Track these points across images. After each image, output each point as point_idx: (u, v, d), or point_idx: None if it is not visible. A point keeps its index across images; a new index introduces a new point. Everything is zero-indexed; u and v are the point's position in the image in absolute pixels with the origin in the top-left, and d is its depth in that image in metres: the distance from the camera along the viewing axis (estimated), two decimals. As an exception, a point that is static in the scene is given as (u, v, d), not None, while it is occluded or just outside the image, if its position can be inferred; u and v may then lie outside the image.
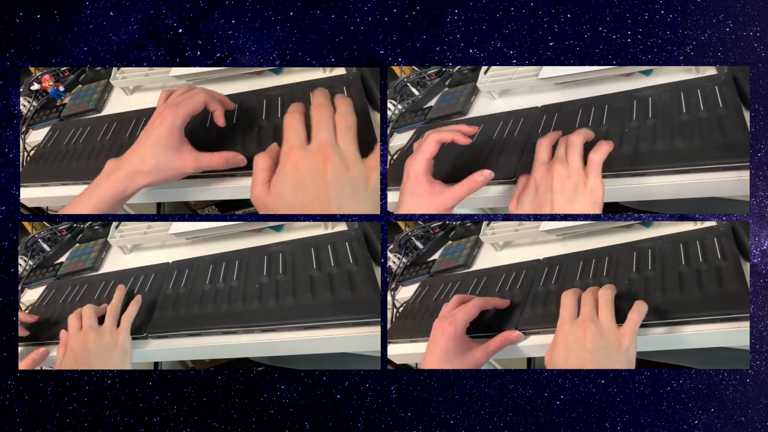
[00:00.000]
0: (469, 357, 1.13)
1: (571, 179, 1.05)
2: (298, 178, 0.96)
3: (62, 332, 1.20)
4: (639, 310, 1.07)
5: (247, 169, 1.15)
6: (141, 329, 1.21)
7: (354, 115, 1.01)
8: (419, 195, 1.08)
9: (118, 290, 1.24)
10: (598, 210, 1.06)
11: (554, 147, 1.12)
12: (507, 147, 1.24)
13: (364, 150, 1.04)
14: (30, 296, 1.41)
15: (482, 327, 1.20)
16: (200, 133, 1.25)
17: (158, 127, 1.07)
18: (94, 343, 1.16)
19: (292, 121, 1.01)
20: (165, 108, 1.09)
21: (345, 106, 1.03)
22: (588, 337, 1.04)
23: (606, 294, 1.09)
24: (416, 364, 1.45)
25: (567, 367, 1.05)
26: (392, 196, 1.27)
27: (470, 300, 1.17)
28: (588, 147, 1.09)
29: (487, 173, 1.10)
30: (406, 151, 1.34)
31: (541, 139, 1.13)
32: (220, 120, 1.13)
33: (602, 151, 1.07)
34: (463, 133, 1.10)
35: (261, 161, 1.00)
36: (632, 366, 1.04)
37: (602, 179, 1.06)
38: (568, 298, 1.10)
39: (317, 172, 0.95)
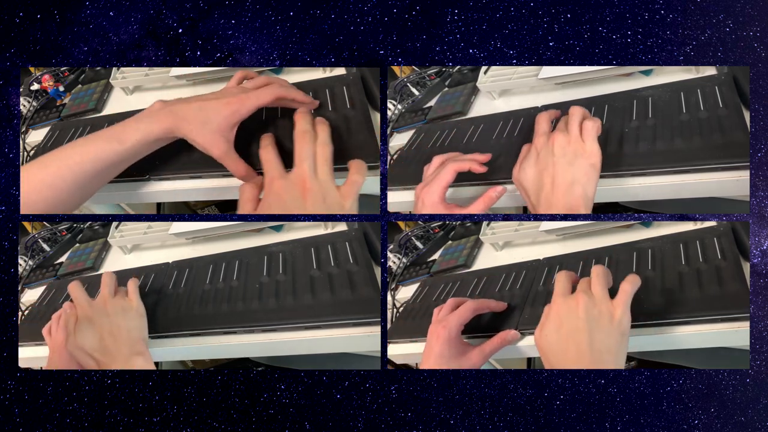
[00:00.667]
0: (466, 360, 1.14)
1: (571, 145, 1.10)
2: (281, 206, 1.04)
3: (67, 304, 1.18)
4: (631, 281, 1.08)
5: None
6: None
7: (331, 145, 1.09)
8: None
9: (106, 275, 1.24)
10: (595, 173, 1.09)
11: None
12: (507, 147, 1.24)
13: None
14: (30, 296, 1.41)
15: (481, 328, 1.20)
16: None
17: (223, 105, 1.09)
18: (112, 306, 1.16)
19: (267, 155, 1.09)
20: (239, 92, 1.12)
21: (324, 134, 1.10)
22: (581, 307, 1.05)
23: (598, 270, 1.10)
24: (416, 364, 1.45)
25: (559, 338, 1.04)
26: (392, 196, 1.27)
27: (464, 303, 1.18)
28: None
29: (500, 189, 1.16)
30: (406, 153, 1.34)
31: (540, 113, 1.17)
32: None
33: (597, 120, 1.13)
34: (479, 162, 1.17)
35: (247, 191, 1.08)
36: (626, 337, 1.05)
37: (598, 145, 1.11)
38: (562, 276, 1.12)
39: (298, 200, 1.04)
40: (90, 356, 1.13)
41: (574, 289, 1.10)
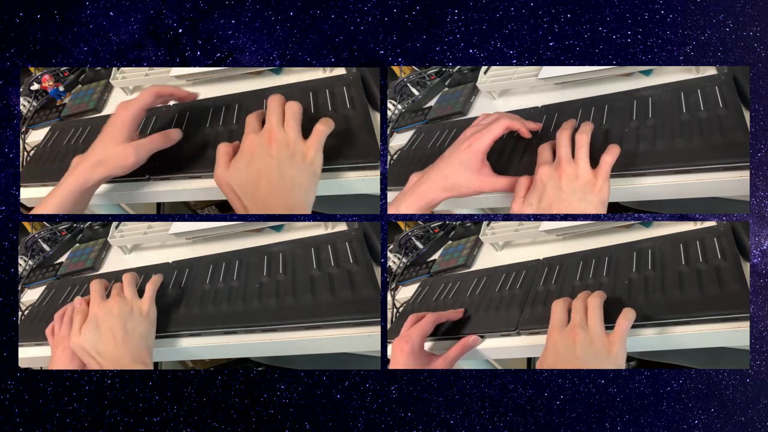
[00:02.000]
0: (430, 369, 1.18)
1: (580, 179, 1.07)
2: (250, 156, 1.08)
3: (78, 299, 1.19)
4: (627, 317, 1.08)
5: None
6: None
7: (299, 104, 1.13)
8: (469, 169, 1.12)
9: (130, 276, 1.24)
10: (603, 209, 1.08)
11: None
12: (507, 147, 1.24)
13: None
14: (30, 296, 1.41)
15: (481, 329, 1.21)
16: (200, 134, 1.25)
17: (110, 121, 1.17)
18: (120, 307, 1.16)
19: (250, 117, 1.14)
20: (119, 108, 1.18)
21: (293, 100, 1.14)
22: (577, 344, 1.05)
23: (595, 302, 1.09)
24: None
25: None
26: (392, 197, 1.27)
27: (424, 316, 1.21)
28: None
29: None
30: (406, 152, 1.34)
31: (541, 145, 1.15)
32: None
33: (614, 153, 1.10)
34: (529, 129, 1.18)
35: (222, 147, 1.12)
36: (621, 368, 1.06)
37: (609, 182, 1.09)
38: (557, 306, 1.12)
39: (264, 149, 1.08)
40: (92, 357, 1.13)
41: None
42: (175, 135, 1.20)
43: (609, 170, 1.08)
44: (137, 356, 1.13)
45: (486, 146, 1.12)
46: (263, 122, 1.13)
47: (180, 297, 1.26)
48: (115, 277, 1.36)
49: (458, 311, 1.26)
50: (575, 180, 1.07)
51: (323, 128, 1.10)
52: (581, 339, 1.05)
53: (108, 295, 1.19)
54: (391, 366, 1.17)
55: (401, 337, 1.19)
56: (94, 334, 1.13)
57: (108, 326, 1.14)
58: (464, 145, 1.13)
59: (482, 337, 1.21)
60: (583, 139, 1.10)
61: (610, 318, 1.09)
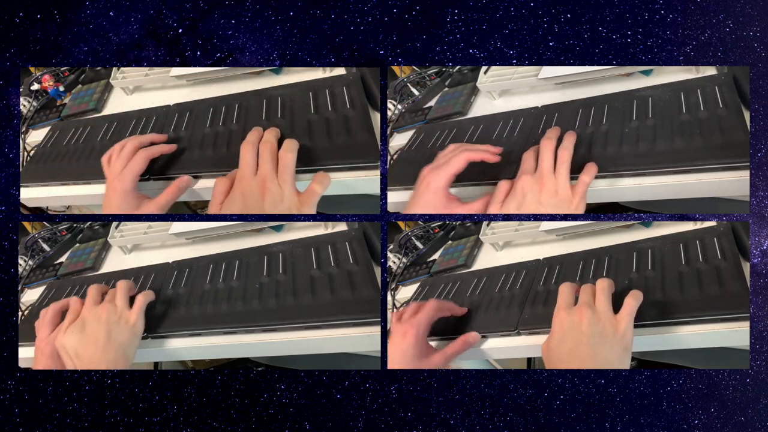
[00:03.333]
0: (427, 361, 1.16)
1: (559, 195, 1.11)
2: (243, 203, 1.11)
3: (75, 299, 1.20)
4: (635, 296, 1.09)
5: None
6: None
7: (295, 153, 1.13)
8: (434, 209, 1.14)
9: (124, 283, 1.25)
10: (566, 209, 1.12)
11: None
12: (507, 147, 1.24)
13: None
14: (30, 296, 1.41)
15: (481, 329, 1.21)
16: (200, 134, 1.25)
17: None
18: (108, 313, 1.16)
19: (245, 152, 1.14)
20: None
21: (290, 143, 1.14)
22: (584, 321, 1.06)
23: (602, 283, 1.11)
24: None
25: (562, 353, 1.06)
26: (392, 196, 1.27)
27: (426, 303, 1.20)
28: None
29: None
30: (406, 153, 1.34)
31: (526, 151, 1.16)
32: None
33: (591, 173, 1.13)
34: (492, 153, 1.18)
35: (219, 185, 1.14)
36: (629, 352, 1.06)
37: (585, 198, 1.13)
38: (565, 288, 1.13)
39: (257, 200, 1.10)
40: (70, 358, 1.13)
41: (577, 299, 1.11)
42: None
43: (586, 189, 1.12)
44: (114, 364, 1.14)
45: (446, 182, 1.14)
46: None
47: (180, 297, 1.26)
48: (116, 277, 1.37)
49: (462, 309, 1.26)
50: (554, 195, 1.11)
51: (318, 189, 1.12)
52: (589, 317, 1.06)
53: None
54: (391, 351, 1.16)
55: (406, 321, 1.17)
56: (78, 336, 1.14)
57: (92, 331, 1.14)
58: (422, 185, 1.14)
59: (484, 336, 1.21)
60: (565, 155, 1.13)
61: (615, 307, 1.09)
